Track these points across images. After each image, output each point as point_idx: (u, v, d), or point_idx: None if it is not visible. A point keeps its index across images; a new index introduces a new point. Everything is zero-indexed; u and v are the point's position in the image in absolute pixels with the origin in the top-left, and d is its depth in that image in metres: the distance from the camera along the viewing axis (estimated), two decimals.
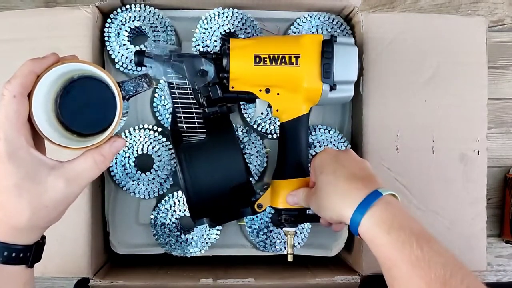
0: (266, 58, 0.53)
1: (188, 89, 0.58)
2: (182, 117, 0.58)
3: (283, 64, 0.53)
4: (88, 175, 0.40)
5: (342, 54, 0.53)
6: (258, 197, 0.57)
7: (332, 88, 0.53)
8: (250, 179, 0.64)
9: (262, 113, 0.57)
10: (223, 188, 0.54)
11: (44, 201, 0.38)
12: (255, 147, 0.63)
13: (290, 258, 0.56)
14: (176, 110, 0.58)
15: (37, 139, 0.40)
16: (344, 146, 0.64)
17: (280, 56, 0.53)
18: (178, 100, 0.58)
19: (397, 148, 0.63)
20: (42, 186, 0.38)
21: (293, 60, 0.53)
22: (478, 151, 0.64)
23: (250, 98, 0.56)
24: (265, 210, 0.57)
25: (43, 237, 0.44)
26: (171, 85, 0.58)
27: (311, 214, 0.62)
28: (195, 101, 0.57)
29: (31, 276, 0.42)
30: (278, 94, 0.55)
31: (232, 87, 0.55)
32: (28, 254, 0.41)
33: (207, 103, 0.55)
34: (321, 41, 0.53)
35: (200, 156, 0.53)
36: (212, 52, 0.57)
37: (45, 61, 0.39)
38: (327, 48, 0.53)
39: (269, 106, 0.56)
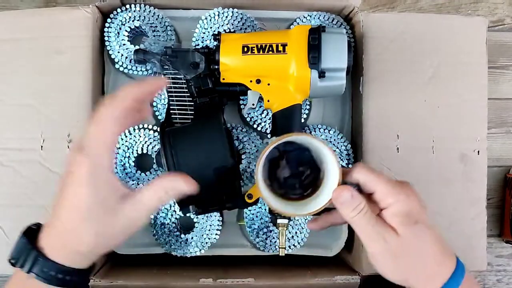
0: (254, 47, 0.54)
1: (183, 84, 0.58)
2: (176, 110, 0.58)
3: (270, 52, 0.54)
4: (152, 207, 0.40)
5: (330, 41, 0.53)
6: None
7: (321, 75, 0.53)
8: (245, 174, 0.64)
9: (253, 104, 0.58)
10: (206, 172, 0.52)
11: (110, 231, 0.38)
12: (255, 146, 0.63)
13: (282, 253, 0.55)
14: (171, 104, 0.58)
15: None
16: (344, 146, 0.64)
17: (268, 45, 0.54)
18: (174, 95, 0.58)
19: (397, 148, 0.63)
20: (112, 215, 0.37)
21: (280, 48, 0.54)
22: (478, 151, 0.64)
23: (242, 90, 0.57)
24: (256, 202, 0.56)
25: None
26: (167, 80, 0.58)
27: None
28: (189, 94, 0.58)
29: None
30: (268, 84, 0.55)
31: (223, 79, 0.56)
32: (80, 278, 0.40)
33: (198, 94, 0.56)
34: (309, 29, 0.54)
35: (183, 140, 0.52)
36: (205, 47, 0.58)
37: (148, 87, 0.38)
38: (313, 35, 0.53)
39: (262, 98, 0.56)
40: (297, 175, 0.47)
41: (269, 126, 0.63)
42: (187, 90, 0.58)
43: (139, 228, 0.40)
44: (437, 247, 0.43)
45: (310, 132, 0.64)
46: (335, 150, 0.63)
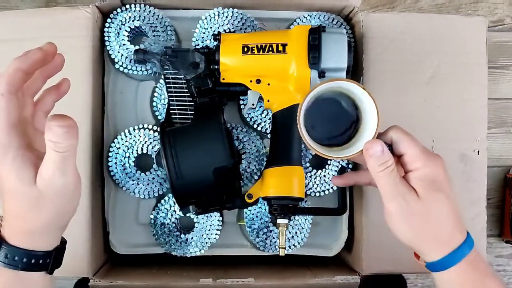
0: (254, 47, 0.54)
1: (183, 84, 0.58)
2: (176, 110, 0.58)
3: (270, 52, 0.54)
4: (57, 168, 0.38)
5: (330, 41, 0.53)
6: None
7: (321, 75, 0.53)
8: (246, 170, 0.64)
9: (253, 104, 0.58)
10: (206, 172, 0.52)
11: (45, 201, 0.38)
12: (255, 146, 0.63)
13: (282, 253, 0.56)
14: (171, 104, 0.58)
15: (39, 137, 0.39)
16: None
17: (268, 45, 0.54)
18: (174, 95, 0.58)
19: None
20: (32, 188, 0.37)
21: (280, 48, 0.54)
22: (478, 151, 0.64)
23: (242, 90, 0.57)
24: (256, 202, 0.56)
25: (64, 242, 0.43)
26: (167, 80, 0.58)
27: (304, 207, 0.62)
28: (189, 94, 0.58)
29: (51, 282, 0.42)
30: (268, 84, 0.56)
31: (223, 79, 0.56)
32: (48, 260, 0.40)
33: (198, 94, 0.56)
34: (309, 29, 0.54)
35: (183, 140, 0.53)
36: (205, 47, 0.58)
37: (29, 56, 0.38)
38: (313, 35, 0.53)
39: (262, 98, 0.57)
40: (334, 123, 0.49)
41: (269, 126, 0.63)
42: (187, 90, 0.58)
43: (74, 187, 0.39)
44: (451, 218, 0.44)
45: None
46: None
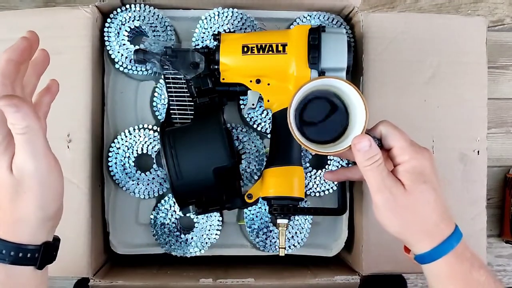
0: (254, 47, 0.54)
1: (183, 84, 0.58)
2: (176, 110, 0.58)
3: (270, 52, 0.54)
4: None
5: (330, 41, 0.53)
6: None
7: (321, 75, 0.53)
8: (246, 170, 0.64)
9: (253, 104, 0.58)
10: (206, 172, 0.52)
11: (18, 190, 0.38)
12: (255, 146, 0.63)
13: (282, 253, 0.56)
14: (171, 104, 0.58)
15: None
16: None
17: (268, 45, 0.54)
18: (174, 95, 0.59)
19: None
20: (10, 175, 0.37)
21: (280, 48, 0.54)
22: (478, 151, 0.64)
23: (242, 90, 0.57)
24: (256, 202, 0.56)
25: (57, 239, 0.43)
26: (167, 80, 0.58)
27: (304, 207, 0.63)
28: (189, 95, 0.58)
29: (43, 280, 0.41)
30: (268, 84, 0.56)
31: (223, 79, 0.56)
32: (37, 255, 0.39)
33: (198, 94, 0.56)
34: (308, 29, 0.54)
35: (183, 140, 0.53)
36: (205, 47, 0.58)
37: (17, 46, 0.38)
38: (313, 35, 0.53)
39: (262, 98, 0.57)
40: (326, 120, 0.51)
41: (269, 126, 0.63)
42: (187, 90, 0.58)
43: (50, 172, 0.38)
44: (438, 209, 0.45)
45: None
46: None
